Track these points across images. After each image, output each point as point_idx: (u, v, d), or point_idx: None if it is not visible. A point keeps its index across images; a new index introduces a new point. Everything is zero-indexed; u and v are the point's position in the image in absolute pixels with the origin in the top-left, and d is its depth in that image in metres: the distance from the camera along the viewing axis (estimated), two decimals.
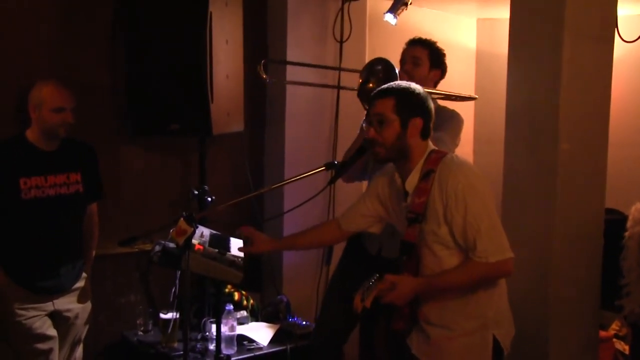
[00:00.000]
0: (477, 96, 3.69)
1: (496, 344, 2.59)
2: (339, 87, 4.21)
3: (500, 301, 2.63)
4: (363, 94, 3.21)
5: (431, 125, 2.60)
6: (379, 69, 3.16)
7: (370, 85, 3.19)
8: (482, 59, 5.68)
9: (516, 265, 2.50)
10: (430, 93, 3.35)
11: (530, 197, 3.44)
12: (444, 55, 3.44)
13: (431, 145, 2.63)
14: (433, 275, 2.56)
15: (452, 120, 3.32)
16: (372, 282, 2.44)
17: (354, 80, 3.36)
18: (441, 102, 3.46)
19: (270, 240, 3.04)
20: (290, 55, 4.15)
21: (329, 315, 3.53)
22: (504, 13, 3.91)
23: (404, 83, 2.63)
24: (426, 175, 2.53)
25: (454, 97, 3.53)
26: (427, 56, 3.38)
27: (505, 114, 3.56)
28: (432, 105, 2.60)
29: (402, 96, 2.55)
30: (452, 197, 2.46)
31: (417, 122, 2.54)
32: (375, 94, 2.61)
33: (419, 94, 2.57)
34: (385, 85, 2.62)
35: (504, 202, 3.52)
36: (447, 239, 2.52)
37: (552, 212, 3.36)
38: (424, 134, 2.58)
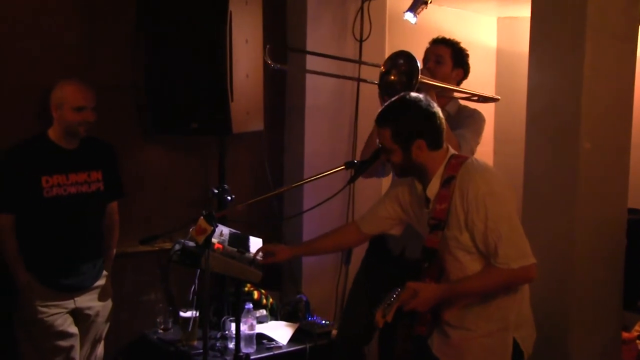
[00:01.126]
0: (499, 97, 3.66)
1: (516, 346, 2.57)
2: (359, 80, 4.18)
3: (522, 304, 2.61)
4: (384, 86, 3.19)
5: (438, 136, 2.55)
6: (402, 62, 3.14)
7: (392, 77, 3.17)
8: (502, 58, 5.64)
9: (537, 266, 2.48)
10: (454, 91, 3.35)
11: (552, 197, 3.41)
12: (467, 55, 3.42)
13: (451, 150, 2.61)
14: (455, 282, 2.56)
15: (473, 118, 3.31)
16: (394, 297, 2.43)
17: (374, 77, 3.35)
18: (463, 103, 3.45)
19: (289, 248, 3.06)
20: (310, 57, 4.15)
21: (352, 315, 3.52)
22: (524, 11, 3.89)
23: (401, 103, 2.57)
24: (447, 182, 2.51)
25: (476, 98, 3.50)
26: (450, 55, 3.37)
27: (526, 114, 3.54)
28: (435, 117, 2.54)
29: (397, 125, 2.52)
30: (473, 204, 2.44)
31: (419, 144, 2.51)
32: (377, 120, 2.60)
33: (415, 115, 2.52)
34: (382, 111, 2.59)
35: (524, 203, 3.49)
36: (469, 245, 2.51)
37: (573, 212, 3.33)
38: (434, 147, 2.55)
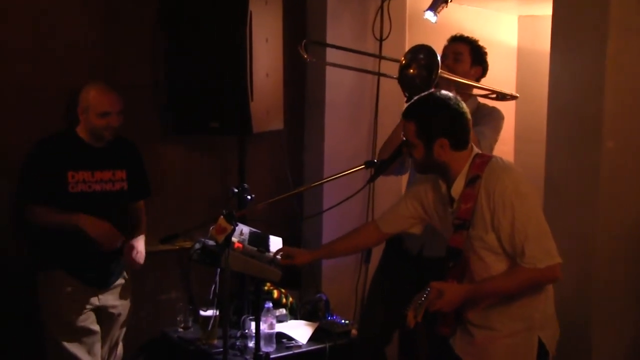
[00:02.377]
0: (518, 95, 3.63)
1: (541, 346, 2.55)
2: (379, 74, 4.17)
3: (546, 303, 2.59)
4: (403, 79, 3.18)
5: (463, 137, 2.53)
6: (422, 56, 3.13)
7: (411, 71, 3.15)
8: (523, 57, 5.61)
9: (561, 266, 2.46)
10: (472, 87, 3.33)
11: (573, 196, 3.38)
12: (485, 53, 3.41)
13: (475, 150, 2.59)
14: (480, 282, 2.54)
15: (492, 115, 3.29)
16: (425, 297, 2.41)
17: (394, 75, 3.34)
18: (482, 101, 3.43)
19: (308, 253, 3.06)
20: (330, 54, 4.14)
21: (371, 315, 3.52)
22: (546, 10, 3.85)
23: (430, 99, 2.56)
24: (472, 181, 2.50)
25: (494, 96, 3.48)
26: (468, 52, 3.36)
27: (547, 112, 3.51)
28: (463, 118, 2.52)
29: (422, 121, 2.51)
30: (500, 204, 2.42)
31: (442, 143, 2.50)
32: (403, 113, 2.59)
33: (442, 113, 2.50)
34: (411, 104, 2.57)
35: (545, 202, 3.46)
36: (494, 245, 2.49)
37: (595, 211, 3.30)
38: (457, 148, 2.53)
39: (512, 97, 3.62)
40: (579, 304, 3.33)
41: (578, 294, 3.33)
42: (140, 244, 3.39)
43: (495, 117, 3.30)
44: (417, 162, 2.59)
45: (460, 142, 2.52)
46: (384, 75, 3.34)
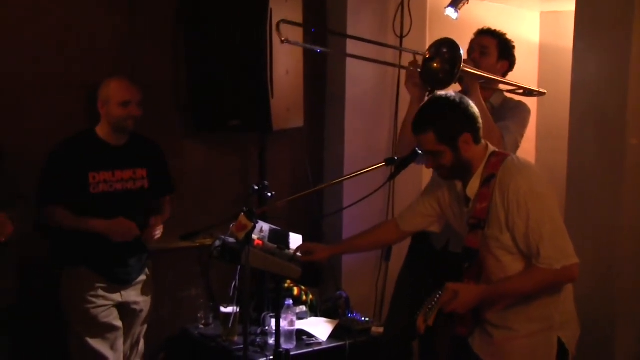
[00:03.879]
0: (545, 91, 3.60)
1: (561, 346, 2.52)
2: (399, 67, 4.15)
3: (566, 303, 2.57)
4: (427, 73, 3.16)
5: (479, 127, 2.52)
6: (445, 50, 3.11)
7: (435, 65, 3.13)
8: (545, 53, 5.56)
9: (581, 265, 2.43)
10: (497, 82, 3.30)
11: (596, 194, 3.35)
12: (513, 47, 3.36)
13: (491, 148, 2.57)
14: (496, 282, 2.52)
15: (517, 109, 3.26)
16: (435, 301, 2.41)
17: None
18: (508, 96, 3.40)
19: (328, 248, 3.07)
20: (350, 50, 4.14)
21: (397, 311, 3.51)
22: (568, 5, 3.82)
23: (434, 104, 2.55)
24: (487, 181, 2.48)
25: (521, 91, 3.45)
26: (495, 46, 3.32)
27: (570, 109, 3.48)
28: (472, 108, 2.51)
29: (439, 126, 2.49)
30: (514, 203, 2.40)
31: (465, 138, 2.48)
32: (414, 130, 2.56)
33: (452, 111, 2.49)
34: (418, 118, 2.55)
35: (568, 200, 3.44)
36: (509, 244, 2.47)
37: (618, 209, 3.27)
38: (477, 140, 2.52)
39: (540, 93, 3.58)
40: (602, 302, 3.30)
41: (601, 293, 3.30)
42: (158, 221, 3.41)
43: (521, 111, 3.26)
44: (446, 168, 2.55)
45: (478, 133, 2.52)
46: (405, 68, 3.32)
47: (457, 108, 2.49)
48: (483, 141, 2.57)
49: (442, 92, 2.59)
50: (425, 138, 2.51)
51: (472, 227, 2.52)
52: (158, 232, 3.40)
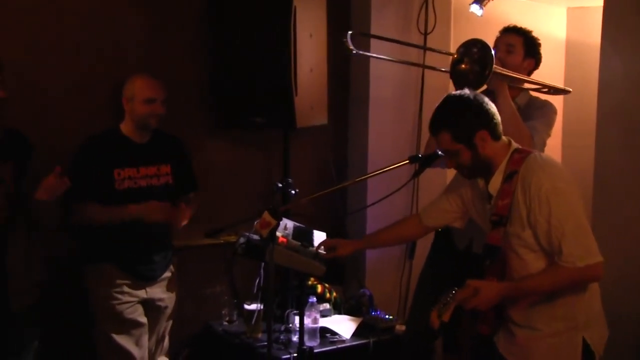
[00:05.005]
0: (571, 89, 3.56)
1: (586, 346, 2.49)
2: (424, 67, 4.14)
3: (591, 303, 2.53)
4: (456, 74, 3.14)
5: (496, 124, 2.50)
6: (475, 50, 3.08)
7: (464, 66, 3.11)
8: (572, 50, 5.50)
9: (609, 265, 2.40)
10: (525, 82, 3.27)
11: (623, 193, 3.32)
12: (539, 44, 3.33)
13: (514, 145, 2.55)
14: (518, 280, 2.50)
15: (544, 109, 3.23)
16: (450, 297, 2.40)
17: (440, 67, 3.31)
18: (534, 94, 3.37)
19: (351, 242, 3.08)
20: (374, 48, 4.12)
21: (419, 310, 3.50)
22: (596, 1, 3.78)
23: (449, 102, 2.54)
24: (509, 177, 2.46)
25: (546, 90, 3.42)
26: (521, 44, 3.29)
27: (597, 107, 3.45)
28: (488, 104, 2.49)
29: (454, 125, 2.48)
30: (536, 200, 2.38)
31: (482, 135, 2.47)
32: (430, 131, 2.57)
33: (467, 108, 2.47)
34: (433, 118, 2.55)
35: (594, 199, 3.40)
36: (531, 242, 2.45)
37: None
38: (495, 136, 2.50)
39: (566, 92, 3.54)
40: (631, 303, 3.26)
41: (629, 292, 3.26)
42: (187, 208, 3.43)
43: (548, 111, 3.23)
44: (465, 167, 2.54)
45: (495, 129, 2.49)
46: (433, 68, 3.30)
47: (471, 106, 2.48)
48: (505, 138, 2.55)
49: (454, 92, 2.58)
50: (441, 138, 2.51)
51: (494, 224, 2.50)
52: (186, 217, 3.42)
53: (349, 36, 3.30)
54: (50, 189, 2.90)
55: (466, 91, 2.54)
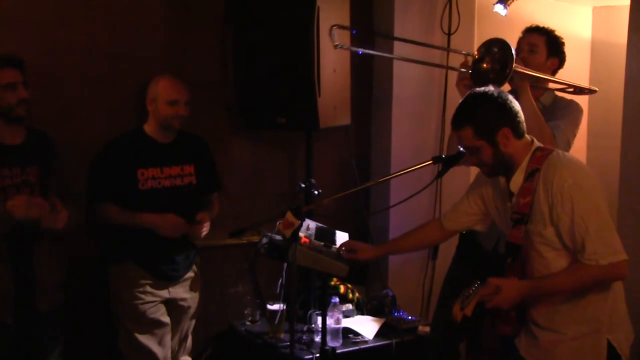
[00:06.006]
0: (596, 89, 3.52)
1: (612, 349, 2.46)
2: (447, 68, 4.12)
3: (615, 304, 2.50)
4: (477, 74, 3.13)
5: (519, 122, 2.48)
6: (496, 50, 3.07)
7: (484, 65, 3.10)
8: (597, 50, 5.44)
9: (635, 266, 2.37)
10: (548, 81, 3.24)
11: None
12: (562, 43, 3.30)
13: (536, 143, 2.54)
14: (540, 278, 2.48)
15: (569, 108, 3.20)
16: (472, 290, 2.38)
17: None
18: (559, 94, 3.34)
19: (373, 248, 3.08)
20: (397, 48, 4.12)
21: (444, 312, 3.48)
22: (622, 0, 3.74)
23: (472, 99, 2.52)
24: (531, 175, 2.45)
25: (571, 89, 3.38)
26: (544, 43, 3.26)
27: (623, 107, 3.41)
28: (511, 102, 2.48)
29: (476, 120, 2.46)
30: (558, 197, 2.36)
31: (504, 132, 2.45)
32: (453, 126, 2.55)
33: (490, 105, 2.46)
34: (456, 113, 2.54)
35: (620, 199, 3.36)
36: (553, 240, 2.42)
37: None
38: (518, 135, 2.49)
39: (591, 91, 3.51)
40: None
41: None
42: (205, 217, 3.43)
43: (573, 111, 3.20)
44: (487, 165, 2.53)
45: (518, 127, 2.48)
46: (455, 69, 3.28)
47: (494, 102, 2.47)
48: (528, 136, 2.53)
49: (479, 88, 2.56)
50: (464, 134, 2.49)
51: (515, 222, 2.48)
52: (205, 229, 3.43)
53: (334, 30, 3.26)
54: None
55: (491, 88, 2.53)
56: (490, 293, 2.37)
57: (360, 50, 3.79)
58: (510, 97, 2.51)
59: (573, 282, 2.41)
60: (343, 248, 2.98)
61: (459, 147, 2.67)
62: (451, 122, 2.56)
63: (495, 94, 2.48)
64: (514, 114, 2.48)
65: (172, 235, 3.30)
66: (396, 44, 4.15)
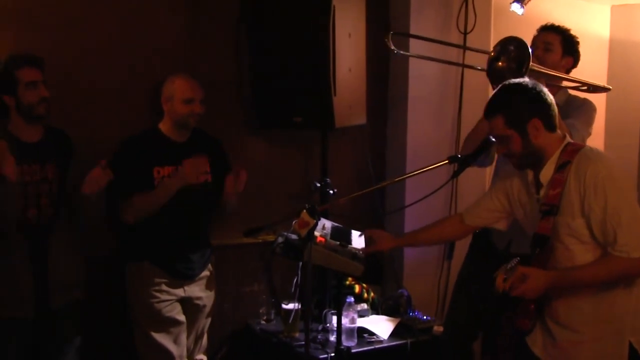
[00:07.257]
0: (610, 87, 3.50)
1: (634, 352, 2.43)
2: (463, 66, 4.10)
3: (638, 304, 2.46)
4: (492, 72, 3.12)
5: (552, 114, 2.48)
6: (512, 48, 3.06)
7: (500, 64, 3.09)
8: (615, 48, 5.39)
9: None
10: (563, 79, 3.23)
11: None
12: (577, 42, 3.30)
13: (568, 138, 2.53)
14: (568, 269, 2.45)
15: (583, 107, 3.19)
16: (515, 264, 2.36)
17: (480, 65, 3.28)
18: (572, 93, 3.32)
19: (392, 238, 3.05)
20: (414, 47, 4.10)
21: (457, 312, 3.48)
22: None
23: (505, 89, 2.52)
24: (562, 167, 2.43)
25: (585, 88, 3.37)
26: (559, 42, 3.26)
27: None
28: (544, 95, 2.48)
29: (508, 109, 2.47)
30: (591, 188, 2.34)
31: (535, 124, 2.45)
32: (485, 115, 2.55)
33: (523, 95, 2.46)
34: (489, 102, 2.54)
35: (639, 197, 3.33)
36: (581, 232, 2.40)
37: None
38: (550, 127, 2.48)
39: (605, 90, 3.49)
40: None
41: None
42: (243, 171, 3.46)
43: (587, 110, 3.20)
44: (516, 155, 2.52)
45: (550, 120, 2.47)
46: (469, 66, 3.26)
47: (528, 93, 2.47)
48: (560, 131, 2.52)
49: (515, 79, 2.56)
50: (495, 122, 2.50)
51: (544, 213, 2.46)
52: (243, 179, 3.44)
53: (390, 37, 3.30)
54: (94, 182, 2.95)
55: (526, 79, 2.53)
56: (517, 280, 2.35)
57: (402, 53, 3.78)
58: (545, 89, 2.51)
59: (601, 274, 2.38)
60: (366, 235, 2.99)
61: (489, 136, 2.66)
62: (484, 111, 2.56)
63: (529, 85, 2.49)
64: (547, 106, 2.47)
65: (200, 173, 3.32)
66: (412, 43, 4.13)
